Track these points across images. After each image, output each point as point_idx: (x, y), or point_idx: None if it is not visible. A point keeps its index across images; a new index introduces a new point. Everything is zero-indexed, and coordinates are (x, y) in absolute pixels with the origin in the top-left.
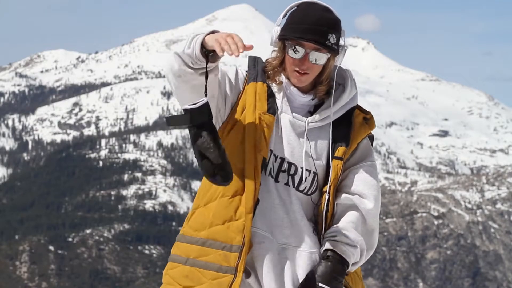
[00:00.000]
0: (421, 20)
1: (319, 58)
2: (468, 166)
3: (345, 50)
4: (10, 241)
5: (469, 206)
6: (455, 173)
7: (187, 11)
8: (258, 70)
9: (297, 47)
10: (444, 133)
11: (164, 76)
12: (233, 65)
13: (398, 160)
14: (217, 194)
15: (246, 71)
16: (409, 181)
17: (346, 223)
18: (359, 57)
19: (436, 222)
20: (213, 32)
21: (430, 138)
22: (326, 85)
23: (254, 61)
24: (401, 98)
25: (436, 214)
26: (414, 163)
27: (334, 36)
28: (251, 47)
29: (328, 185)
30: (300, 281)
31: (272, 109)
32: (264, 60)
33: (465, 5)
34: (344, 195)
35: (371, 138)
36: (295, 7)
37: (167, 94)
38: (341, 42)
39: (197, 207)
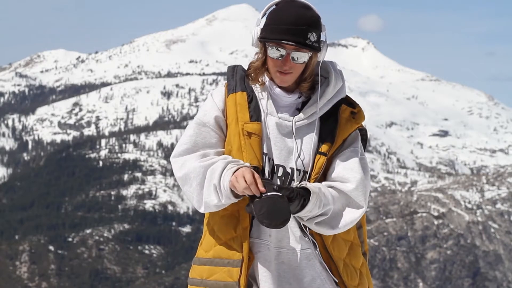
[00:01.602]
0: (424, 20)
1: (301, 57)
2: (468, 166)
3: (327, 45)
4: (10, 241)
5: (469, 206)
6: (455, 173)
7: (187, 11)
8: (237, 80)
9: (278, 48)
10: (444, 133)
11: (163, 76)
12: (209, 93)
13: (398, 160)
14: (219, 213)
15: (225, 83)
16: (409, 181)
17: (327, 190)
18: (359, 57)
19: (436, 222)
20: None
21: (430, 138)
22: (310, 82)
23: (232, 71)
24: (401, 98)
25: (436, 214)
26: (414, 163)
27: (315, 34)
28: (262, 191)
29: (306, 180)
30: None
31: (256, 116)
32: (248, 65)
33: (469, 5)
34: (324, 182)
35: (364, 132)
36: (274, 6)
37: (167, 94)
38: (322, 38)
39: (206, 229)
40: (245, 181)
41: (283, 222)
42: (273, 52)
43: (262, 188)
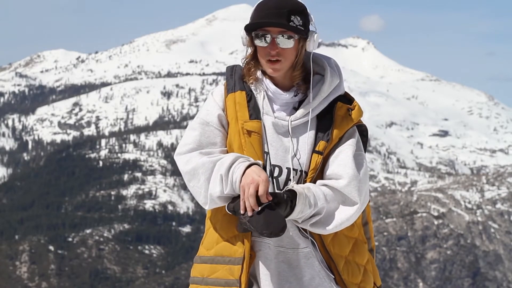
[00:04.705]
0: (424, 20)
1: (287, 41)
2: (468, 166)
3: (316, 35)
4: (10, 241)
5: (469, 206)
6: (455, 173)
7: (187, 11)
8: (236, 80)
9: (263, 35)
10: (444, 133)
11: (164, 76)
12: (209, 92)
13: (398, 160)
14: (222, 211)
15: (224, 82)
16: (409, 181)
17: (318, 189)
18: (359, 57)
19: (436, 222)
20: (250, 164)
21: (430, 138)
22: (300, 70)
23: (231, 71)
24: (401, 98)
25: (436, 214)
26: (414, 163)
27: (299, 18)
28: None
29: (303, 179)
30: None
31: (255, 114)
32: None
33: (469, 5)
34: (318, 181)
35: (364, 128)
36: (256, 4)
37: (167, 94)
38: (311, 27)
39: (208, 228)
40: (256, 190)
41: (282, 229)
42: (259, 40)
43: (269, 198)
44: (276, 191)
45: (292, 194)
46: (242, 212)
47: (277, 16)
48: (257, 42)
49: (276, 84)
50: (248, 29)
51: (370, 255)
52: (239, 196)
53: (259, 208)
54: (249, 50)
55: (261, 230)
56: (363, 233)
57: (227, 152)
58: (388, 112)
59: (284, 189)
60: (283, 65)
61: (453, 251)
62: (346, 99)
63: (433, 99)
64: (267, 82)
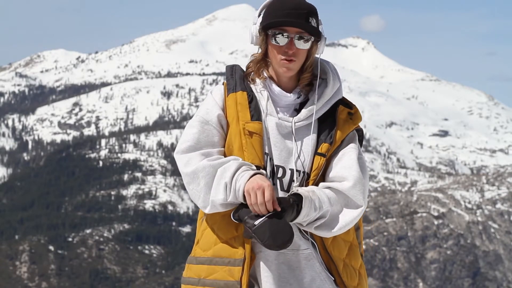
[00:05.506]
0: (425, 20)
1: (304, 42)
2: (468, 166)
3: (325, 39)
4: (10, 241)
5: (469, 206)
6: (455, 173)
7: (187, 11)
8: (237, 80)
9: (280, 33)
10: (444, 133)
11: (164, 76)
12: (208, 91)
13: (398, 160)
14: (220, 213)
15: (224, 82)
16: (409, 181)
17: (322, 192)
18: (359, 57)
19: (436, 222)
20: (255, 173)
21: (430, 138)
22: (310, 72)
23: (231, 70)
24: (401, 98)
25: (436, 214)
26: (414, 163)
27: (315, 21)
28: (277, 209)
29: (306, 180)
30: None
31: (257, 115)
32: (246, 66)
33: (469, 5)
34: (321, 184)
35: (361, 133)
36: (269, 3)
37: (167, 94)
38: (321, 30)
39: (204, 228)
40: (263, 196)
41: (290, 240)
42: (276, 39)
43: (277, 207)
44: (280, 193)
45: (298, 197)
46: (249, 216)
47: (297, 16)
48: (274, 41)
49: (279, 85)
50: (267, 27)
51: (361, 259)
52: (242, 204)
53: (266, 217)
54: (260, 49)
55: (269, 243)
56: (356, 238)
57: (225, 153)
58: (388, 112)
59: (289, 193)
60: (296, 66)
61: (453, 251)
62: (344, 103)
63: (433, 99)
64: (271, 83)
